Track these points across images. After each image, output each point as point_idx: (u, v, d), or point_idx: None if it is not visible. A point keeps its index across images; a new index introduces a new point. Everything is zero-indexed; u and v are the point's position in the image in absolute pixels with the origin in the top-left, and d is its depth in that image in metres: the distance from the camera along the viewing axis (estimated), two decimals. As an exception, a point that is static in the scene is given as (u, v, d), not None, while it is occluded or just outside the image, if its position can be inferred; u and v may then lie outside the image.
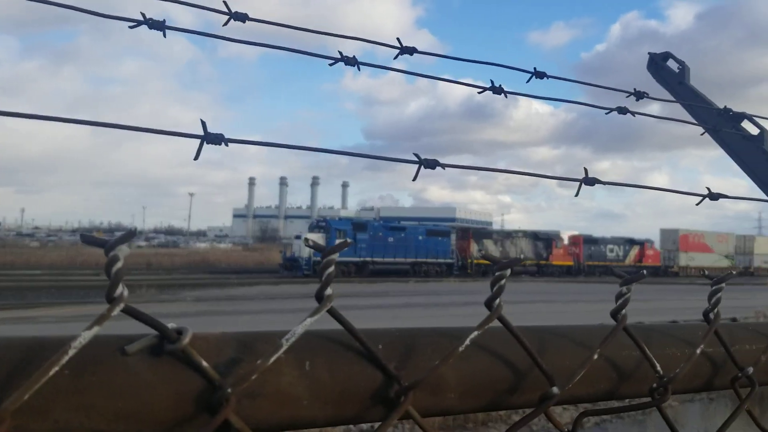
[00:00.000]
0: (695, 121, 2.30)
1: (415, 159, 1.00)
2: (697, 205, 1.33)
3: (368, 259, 44.82)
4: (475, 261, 51.78)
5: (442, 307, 23.51)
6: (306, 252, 41.42)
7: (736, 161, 2.48)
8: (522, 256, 48.29)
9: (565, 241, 58.81)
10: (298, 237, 44.97)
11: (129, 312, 0.56)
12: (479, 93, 1.68)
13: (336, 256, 0.67)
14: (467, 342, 0.73)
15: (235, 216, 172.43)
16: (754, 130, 2.40)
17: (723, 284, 1.04)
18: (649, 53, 3.01)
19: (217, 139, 0.98)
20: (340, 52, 1.55)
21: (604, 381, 0.90)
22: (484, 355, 0.81)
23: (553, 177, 1.26)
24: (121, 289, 0.56)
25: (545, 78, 1.66)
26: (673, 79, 2.85)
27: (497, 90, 1.57)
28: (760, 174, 2.37)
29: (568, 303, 25.78)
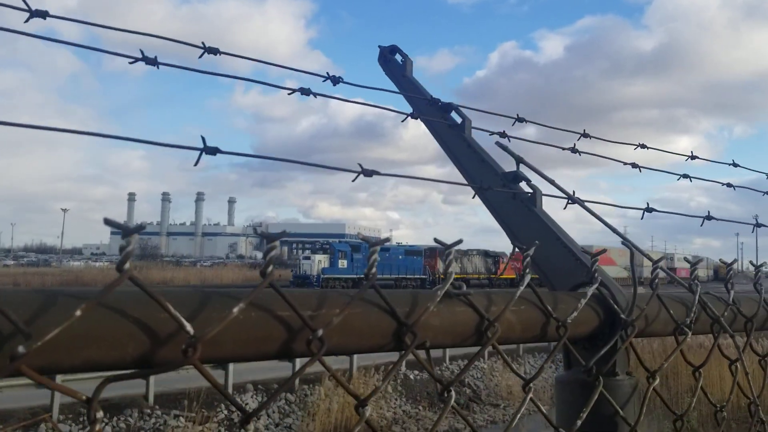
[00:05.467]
0: (407, 112, 2.37)
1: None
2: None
3: (362, 275, 50.18)
4: (441, 276, 56.43)
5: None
6: (315, 269, 49.14)
7: (443, 149, 2.60)
8: (477, 271, 59.85)
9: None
10: (306, 258, 51.79)
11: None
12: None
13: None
14: None
15: (113, 233, 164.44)
16: (460, 121, 2.51)
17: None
18: (379, 46, 3.09)
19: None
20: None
21: (132, 345, 0.83)
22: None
23: (329, 167, 1.24)
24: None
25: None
26: (398, 72, 2.94)
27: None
28: (462, 160, 2.48)
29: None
